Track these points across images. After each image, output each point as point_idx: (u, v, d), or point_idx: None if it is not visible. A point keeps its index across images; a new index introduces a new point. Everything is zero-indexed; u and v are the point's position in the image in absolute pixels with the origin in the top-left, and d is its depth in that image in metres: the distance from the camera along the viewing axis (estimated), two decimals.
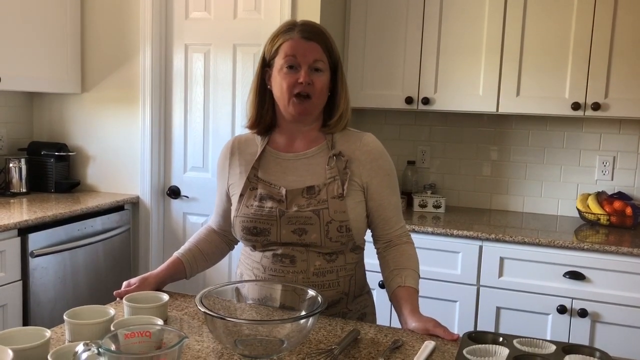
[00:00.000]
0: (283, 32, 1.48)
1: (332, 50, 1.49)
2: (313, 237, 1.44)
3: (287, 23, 1.50)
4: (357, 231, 1.48)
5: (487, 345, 1.19)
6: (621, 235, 2.58)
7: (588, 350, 1.17)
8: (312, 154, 1.51)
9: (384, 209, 1.52)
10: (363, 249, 1.58)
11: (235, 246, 1.74)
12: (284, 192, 1.46)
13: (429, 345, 1.25)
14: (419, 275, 1.52)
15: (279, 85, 1.47)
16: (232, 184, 1.56)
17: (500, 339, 1.23)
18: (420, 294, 1.50)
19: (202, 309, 1.12)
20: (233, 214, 1.52)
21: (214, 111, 2.97)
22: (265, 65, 1.52)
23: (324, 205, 1.44)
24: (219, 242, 1.68)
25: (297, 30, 1.46)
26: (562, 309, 2.42)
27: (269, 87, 1.51)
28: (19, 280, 2.41)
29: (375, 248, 1.58)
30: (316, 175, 1.48)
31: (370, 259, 1.61)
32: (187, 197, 3.07)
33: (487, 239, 2.53)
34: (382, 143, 1.57)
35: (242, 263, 1.59)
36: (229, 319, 1.12)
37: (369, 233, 1.58)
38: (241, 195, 1.50)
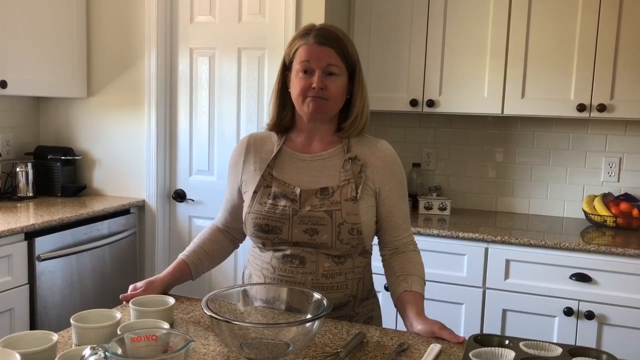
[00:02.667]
0: (299, 36, 1.50)
1: (347, 54, 1.49)
2: (324, 237, 1.44)
3: (305, 27, 1.51)
4: (367, 235, 1.49)
5: (493, 348, 1.19)
6: (628, 237, 2.57)
7: (595, 352, 1.17)
8: (327, 155, 1.52)
9: (394, 215, 1.53)
10: (371, 254, 1.58)
11: (240, 245, 1.74)
12: (298, 191, 1.47)
13: (434, 348, 1.25)
14: (425, 283, 1.52)
15: (294, 88, 1.49)
16: (245, 180, 1.57)
17: (507, 341, 1.23)
18: (425, 296, 1.51)
19: (208, 313, 1.12)
20: (245, 210, 1.53)
21: (219, 114, 2.98)
22: (286, 69, 1.53)
23: (337, 206, 1.45)
24: (224, 241, 1.68)
25: (312, 35, 1.47)
26: (568, 312, 2.41)
27: (289, 89, 1.53)
28: (26, 284, 2.42)
29: (381, 255, 1.58)
30: (331, 177, 1.49)
31: (377, 262, 1.61)
32: (192, 200, 3.08)
33: (493, 241, 2.52)
34: None
35: (250, 264, 1.59)
36: (234, 322, 1.12)
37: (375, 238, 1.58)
38: (255, 192, 1.51)
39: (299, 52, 1.48)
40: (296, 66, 1.48)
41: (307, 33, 1.48)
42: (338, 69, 1.47)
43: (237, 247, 1.74)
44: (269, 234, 1.48)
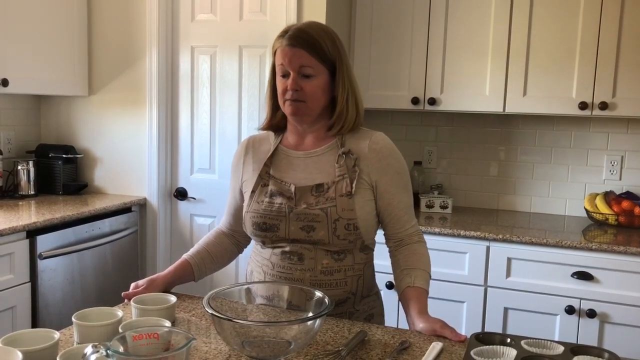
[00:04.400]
0: (277, 38, 1.50)
1: (322, 53, 1.46)
2: (321, 234, 1.44)
3: (283, 29, 1.50)
4: (365, 230, 1.48)
5: (494, 346, 1.19)
6: (629, 235, 2.57)
7: (597, 351, 1.17)
8: (321, 152, 1.52)
9: (394, 207, 1.52)
10: (372, 250, 1.58)
11: (245, 249, 1.74)
12: (293, 189, 1.48)
13: (436, 346, 1.25)
14: (430, 276, 1.52)
15: (277, 91, 1.51)
16: (245, 180, 1.58)
17: (508, 340, 1.22)
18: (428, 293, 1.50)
19: (210, 311, 1.12)
20: (244, 209, 1.54)
21: (221, 113, 2.98)
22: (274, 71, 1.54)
23: (332, 203, 1.45)
24: (228, 245, 1.68)
25: (285, 37, 1.47)
26: (570, 310, 2.41)
27: None
28: (28, 282, 2.42)
29: (387, 247, 1.58)
30: (325, 173, 1.49)
31: (378, 260, 1.61)
32: (194, 198, 3.08)
33: (495, 240, 2.52)
34: None
35: (252, 260, 1.60)
36: (236, 320, 1.12)
37: (380, 234, 1.58)
38: (253, 192, 1.52)
39: (276, 54, 1.49)
40: (277, 68, 1.49)
41: (283, 35, 1.48)
42: (312, 69, 1.45)
43: (241, 251, 1.74)
44: (267, 232, 1.48)
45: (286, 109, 1.49)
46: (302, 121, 1.52)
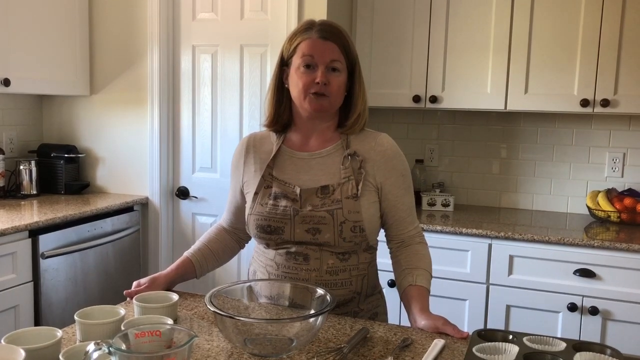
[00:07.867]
0: (301, 31, 1.48)
1: (349, 50, 1.48)
2: (327, 236, 1.44)
3: (306, 22, 1.50)
4: (370, 231, 1.48)
5: (497, 343, 1.19)
6: (632, 232, 2.56)
7: (599, 347, 1.17)
8: (326, 153, 1.51)
9: (398, 209, 1.52)
10: (376, 249, 1.58)
11: (246, 245, 1.74)
12: (298, 191, 1.47)
13: (438, 343, 1.25)
14: (431, 275, 1.52)
15: (295, 84, 1.47)
16: (246, 181, 1.57)
17: (510, 336, 1.22)
18: (429, 292, 1.50)
19: (212, 309, 1.12)
20: (247, 211, 1.52)
21: (222, 112, 2.98)
22: (283, 64, 1.52)
23: (338, 205, 1.44)
24: (230, 241, 1.68)
25: (315, 30, 1.46)
26: (572, 307, 2.41)
27: (286, 85, 1.52)
28: (30, 281, 2.43)
29: (388, 248, 1.58)
30: (330, 175, 1.48)
31: (380, 258, 1.61)
32: (195, 197, 3.08)
33: (497, 237, 2.52)
34: None
35: (255, 260, 1.59)
36: (238, 318, 1.12)
37: (381, 233, 1.58)
38: (256, 194, 1.51)
39: (300, 46, 1.46)
40: (297, 61, 1.46)
41: (310, 28, 1.47)
42: (340, 64, 1.47)
43: (242, 247, 1.73)
44: (272, 234, 1.48)
45: (308, 103, 1.46)
46: (320, 117, 1.51)
